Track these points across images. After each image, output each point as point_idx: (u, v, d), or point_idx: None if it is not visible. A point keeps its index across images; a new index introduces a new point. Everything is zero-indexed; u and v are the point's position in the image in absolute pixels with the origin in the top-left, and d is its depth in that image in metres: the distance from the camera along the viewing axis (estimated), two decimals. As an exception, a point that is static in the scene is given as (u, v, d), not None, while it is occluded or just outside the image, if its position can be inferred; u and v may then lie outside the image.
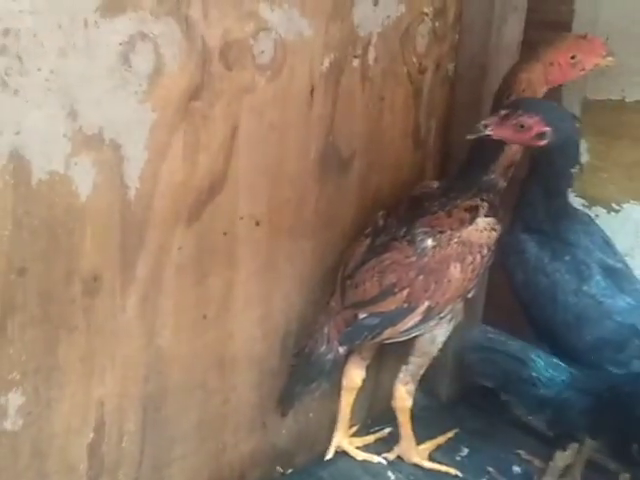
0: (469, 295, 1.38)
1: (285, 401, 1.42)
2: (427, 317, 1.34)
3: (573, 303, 1.20)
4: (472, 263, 1.32)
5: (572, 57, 1.28)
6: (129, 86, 1.04)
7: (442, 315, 1.36)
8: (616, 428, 1.19)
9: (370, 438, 1.59)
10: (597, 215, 1.45)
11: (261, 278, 1.32)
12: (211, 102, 1.14)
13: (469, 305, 1.44)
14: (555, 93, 1.38)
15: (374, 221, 1.41)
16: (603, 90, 1.41)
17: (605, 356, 1.18)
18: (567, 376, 1.20)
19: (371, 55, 1.35)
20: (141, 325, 1.18)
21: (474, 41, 1.49)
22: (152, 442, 1.26)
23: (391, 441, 1.55)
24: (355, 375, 1.48)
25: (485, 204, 1.34)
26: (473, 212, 1.33)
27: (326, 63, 1.28)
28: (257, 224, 1.28)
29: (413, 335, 1.37)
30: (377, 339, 1.37)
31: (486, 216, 1.33)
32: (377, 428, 1.61)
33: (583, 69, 1.30)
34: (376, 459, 1.52)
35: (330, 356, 1.37)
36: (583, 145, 1.36)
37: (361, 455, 1.53)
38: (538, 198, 1.24)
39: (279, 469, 1.50)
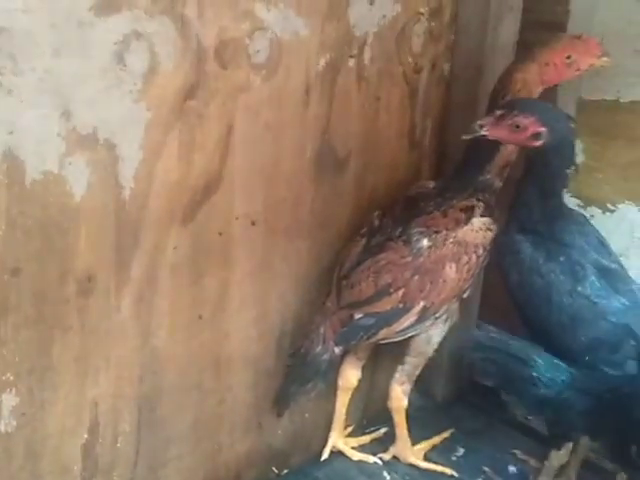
0: (464, 295, 1.38)
1: (281, 401, 1.42)
2: (422, 317, 1.34)
3: (568, 304, 1.21)
4: (468, 263, 1.32)
5: (567, 57, 1.29)
6: (124, 85, 1.03)
7: (438, 315, 1.36)
8: (615, 430, 1.19)
9: (366, 438, 1.59)
10: (592, 215, 1.45)
11: (257, 278, 1.32)
12: (206, 101, 1.13)
13: (465, 305, 1.45)
14: (550, 93, 1.38)
15: (370, 221, 1.41)
16: (598, 90, 1.41)
17: (600, 357, 1.18)
18: (567, 376, 1.20)
19: (367, 55, 1.35)
20: (136, 325, 1.17)
21: (470, 41, 1.49)
22: (147, 443, 1.25)
23: (387, 441, 1.55)
24: (351, 375, 1.48)
25: (481, 204, 1.34)
26: (469, 212, 1.33)
27: (322, 63, 1.28)
28: (253, 224, 1.28)
29: (409, 335, 1.38)
30: (373, 339, 1.37)
31: (482, 216, 1.33)
32: (373, 428, 1.61)
33: (578, 69, 1.30)
34: (372, 459, 1.52)
35: (326, 356, 1.37)
36: (578, 145, 1.36)
37: (357, 455, 1.53)
38: (533, 198, 1.24)
39: (275, 469, 1.50)
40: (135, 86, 1.05)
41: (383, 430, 1.59)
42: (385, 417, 1.52)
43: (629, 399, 1.16)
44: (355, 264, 1.35)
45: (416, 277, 1.30)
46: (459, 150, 1.38)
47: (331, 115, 1.33)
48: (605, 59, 1.28)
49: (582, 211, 1.44)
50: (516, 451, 1.55)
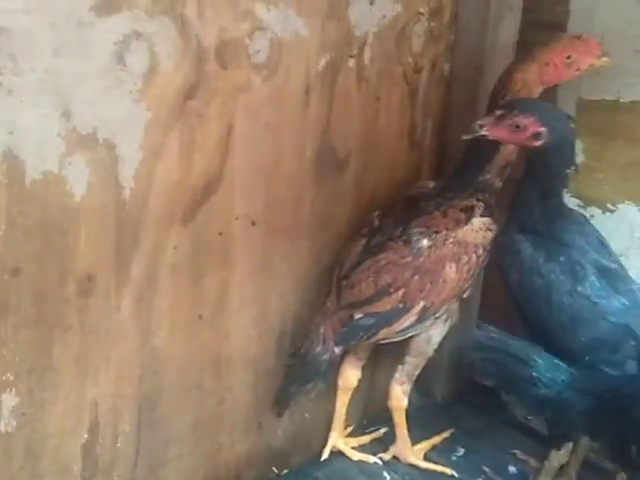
0: (464, 295, 1.38)
1: (281, 401, 1.42)
2: (422, 317, 1.34)
3: (568, 304, 1.21)
4: (467, 263, 1.32)
5: (567, 57, 1.29)
6: (124, 85, 1.03)
7: (437, 315, 1.36)
8: (615, 430, 1.19)
9: (366, 438, 1.59)
10: (592, 215, 1.45)
11: (257, 278, 1.32)
12: (206, 101, 1.13)
13: (465, 305, 1.45)
14: (550, 93, 1.38)
15: (370, 221, 1.41)
16: (598, 90, 1.41)
17: (600, 357, 1.18)
18: (567, 376, 1.20)
19: (367, 55, 1.35)
20: (136, 325, 1.17)
21: (470, 41, 1.49)
22: (147, 443, 1.25)
23: (387, 441, 1.55)
24: (351, 375, 1.48)
25: (481, 204, 1.34)
26: (469, 212, 1.33)
27: (322, 63, 1.28)
28: (253, 224, 1.28)
29: (409, 335, 1.38)
30: (373, 339, 1.37)
31: (482, 216, 1.33)
32: (373, 428, 1.61)
33: (578, 69, 1.30)
34: (372, 459, 1.52)
35: (326, 356, 1.37)
36: (578, 145, 1.36)
37: (357, 455, 1.53)
38: (533, 198, 1.24)
39: (275, 469, 1.50)
40: (135, 86, 1.04)
41: (383, 430, 1.59)
42: (385, 417, 1.52)
43: (629, 399, 1.16)
44: (355, 264, 1.35)
45: (416, 277, 1.30)
46: (459, 150, 1.38)
47: (331, 115, 1.33)
48: (605, 59, 1.28)
49: (582, 211, 1.44)
50: (516, 451, 1.55)
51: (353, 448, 1.55)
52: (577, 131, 1.24)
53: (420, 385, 1.52)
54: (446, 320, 1.40)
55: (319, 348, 1.36)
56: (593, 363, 1.19)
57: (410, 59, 1.44)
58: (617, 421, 1.18)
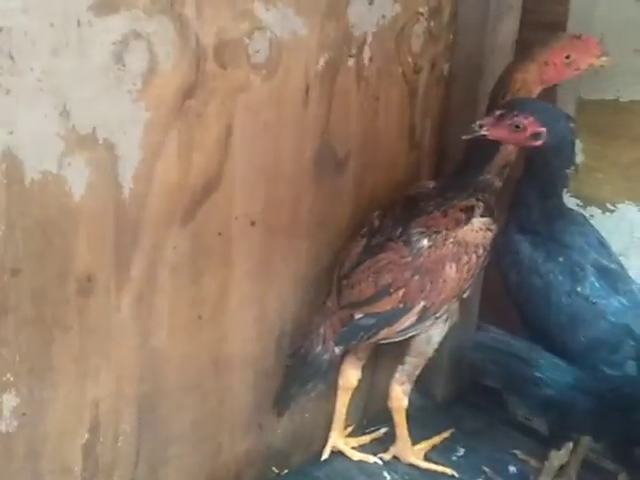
0: (465, 295, 1.38)
1: (281, 401, 1.42)
2: (423, 317, 1.34)
3: (567, 304, 1.20)
4: (468, 263, 1.32)
5: (567, 57, 1.29)
6: (123, 85, 1.03)
7: (438, 315, 1.36)
8: (618, 430, 1.19)
9: (366, 438, 1.59)
10: (592, 215, 1.45)
11: (256, 278, 1.32)
12: (205, 101, 1.14)
13: (465, 305, 1.44)
14: (550, 93, 1.38)
15: (370, 221, 1.41)
16: (598, 90, 1.41)
17: (599, 357, 1.18)
18: (570, 377, 1.19)
19: (366, 55, 1.35)
20: (136, 325, 1.17)
21: (469, 41, 1.49)
22: (147, 442, 1.25)
23: (387, 441, 1.55)
24: (351, 375, 1.48)
25: (481, 204, 1.34)
26: (469, 212, 1.33)
27: (321, 62, 1.28)
28: (252, 224, 1.28)
29: (409, 335, 1.38)
30: (373, 339, 1.37)
31: (482, 216, 1.33)
32: (373, 428, 1.61)
33: (578, 69, 1.30)
34: (372, 459, 1.52)
35: (326, 356, 1.37)
36: (578, 145, 1.36)
37: (357, 455, 1.53)
38: (533, 199, 1.24)
39: (275, 469, 1.50)
40: (134, 86, 1.05)
41: (383, 430, 1.59)
42: (385, 417, 1.52)
43: (632, 400, 1.15)
44: (355, 264, 1.35)
45: (416, 277, 1.30)
46: (459, 150, 1.38)
47: (330, 115, 1.33)
48: (604, 59, 1.28)
49: (582, 211, 1.43)
50: (516, 451, 1.55)
51: (353, 448, 1.55)
52: (577, 131, 1.24)
53: (420, 385, 1.52)
54: (446, 320, 1.40)
55: (319, 348, 1.36)
56: (593, 363, 1.18)
57: (409, 59, 1.44)
58: (620, 422, 1.18)
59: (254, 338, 1.36)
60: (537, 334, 1.25)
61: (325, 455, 1.51)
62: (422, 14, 1.43)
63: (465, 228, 1.32)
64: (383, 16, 1.36)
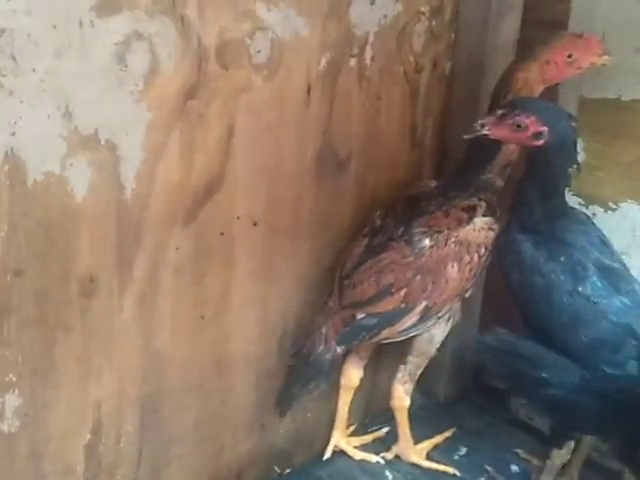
0: (466, 295, 1.38)
1: (283, 401, 1.42)
2: (425, 317, 1.34)
3: (568, 304, 1.20)
4: (469, 263, 1.32)
5: (568, 56, 1.28)
6: (125, 86, 1.03)
7: (440, 315, 1.36)
8: (624, 431, 1.19)
9: (368, 437, 1.59)
10: (594, 214, 1.45)
11: (258, 278, 1.32)
12: (207, 101, 1.13)
13: (467, 304, 1.44)
14: (551, 92, 1.38)
15: (371, 221, 1.41)
16: (599, 89, 1.41)
17: (601, 357, 1.18)
18: (577, 377, 1.19)
19: (368, 54, 1.35)
20: (138, 326, 1.17)
21: (471, 40, 1.49)
22: (150, 443, 1.25)
23: (389, 440, 1.55)
24: (353, 375, 1.48)
25: (483, 204, 1.34)
26: (471, 212, 1.33)
27: (323, 62, 1.28)
28: (254, 224, 1.28)
29: (411, 335, 1.37)
30: (375, 339, 1.37)
31: (484, 216, 1.33)
32: (375, 428, 1.61)
33: (579, 68, 1.30)
34: (374, 458, 1.52)
35: (328, 356, 1.37)
36: (580, 144, 1.36)
37: (359, 455, 1.53)
38: (535, 198, 1.24)
39: (277, 469, 1.50)
40: (136, 87, 1.05)
41: (385, 429, 1.59)
42: (387, 416, 1.52)
43: (638, 400, 1.15)
44: (357, 264, 1.35)
45: (418, 277, 1.30)
46: (460, 149, 1.38)
47: (332, 115, 1.33)
48: (606, 57, 1.28)
49: (583, 210, 1.44)
50: (519, 450, 1.55)
51: (355, 447, 1.55)
52: (578, 130, 1.24)
53: (422, 384, 1.52)
54: (448, 320, 1.40)
55: (321, 348, 1.37)
56: (594, 363, 1.18)
57: (411, 58, 1.44)
58: (625, 422, 1.17)
59: (256, 338, 1.36)
60: (539, 334, 1.25)
61: (327, 454, 1.52)
62: (423, 13, 1.43)
63: (467, 228, 1.32)
64: (385, 16, 1.35)
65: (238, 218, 1.25)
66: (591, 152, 1.44)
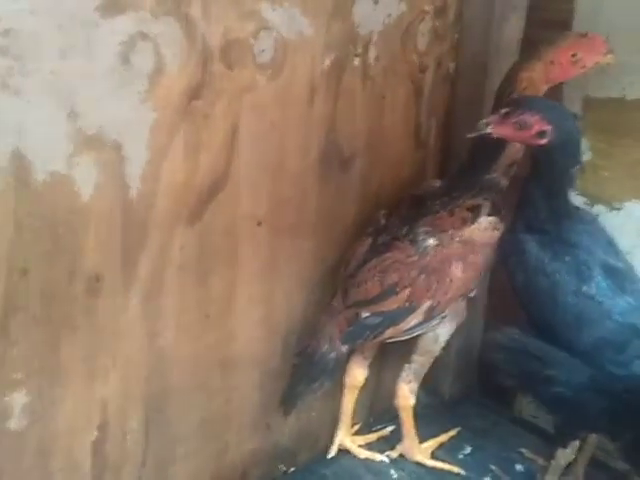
0: (471, 294, 1.38)
1: (288, 400, 1.42)
2: (429, 316, 1.34)
3: (573, 304, 1.20)
4: (474, 262, 1.32)
5: (573, 55, 1.28)
6: (129, 86, 1.04)
7: (444, 314, 1.36)
8: (632, 431, 1.18)
9: (372, 436, 1.59)
10: (598, 213, 1.45)
11: (263, 278, 1.32)
12: (212, 101, 1.14)
13: (472, 304, 1.44)
14: (556, 91, 1.37)
15: (376, 220, 1.41)
16: (604, 88, 1.40)
17: (606, 356, 1.17)
18: (586, 376, 1.19)
19: (372, 54, 1.35)
20: (143, 325, 1.18)
21: (475, 39, 1.49)
22: (155, 441, 1.26)
23: (393, 439, 1.55)
24: (357, 373, 1.48)
25: (487, 203, 1.34)
26: (475, 211, 1.33)
27: (327, 62, 1.28)
28: (259, 224, 1.28)
29: (415, 334, 1.38)
30: (379, 338, 1.37)
31: (488, 215, 1.33)
32: (379, 426, 1.61)
33: (584, 67, 1.29)
34: (379, 457, 1.52)
35: (333, 355, 1.37)
36: (584, 143, 1.35)
37: (363, 453, 1.53)
38: (539, 198, 1.23)
39: (282, 467, 1.50)
40: (141, 87, 1.05)
41: (390, 428, 1.59)
42: (392, 415, 1.52)
43: None
44: (361, 263, 1.35)
45: (422, 276, 1.30)
46: (465, 149, 1.38)
47: (336, 114, 1.33)
48: (610, 56, 1.27)
49: (588, 209, 1.43)
50: (523, 450, 1.54)
51: (360, 446, 1.55)
52: (583, 129, 1.24)
53: (427, 383, 1.52)
54: (453, 319, 1.40)
55: (326, 347, 1.37)
56: (599, 363, 1.18)
57: (415, 58, 1.44)
58: (633, 421, 1.17)
59: (261, 337, 1.36)
60: (543, 333, 1.24)
61: (332, 453, 1.52)
62: (428, 13, 1.43)
63: (472, 227, 1.31)
64: (389, 15, 1.36)
65: (242, 217, 1.25)
66: (596, 151, 1.44)
